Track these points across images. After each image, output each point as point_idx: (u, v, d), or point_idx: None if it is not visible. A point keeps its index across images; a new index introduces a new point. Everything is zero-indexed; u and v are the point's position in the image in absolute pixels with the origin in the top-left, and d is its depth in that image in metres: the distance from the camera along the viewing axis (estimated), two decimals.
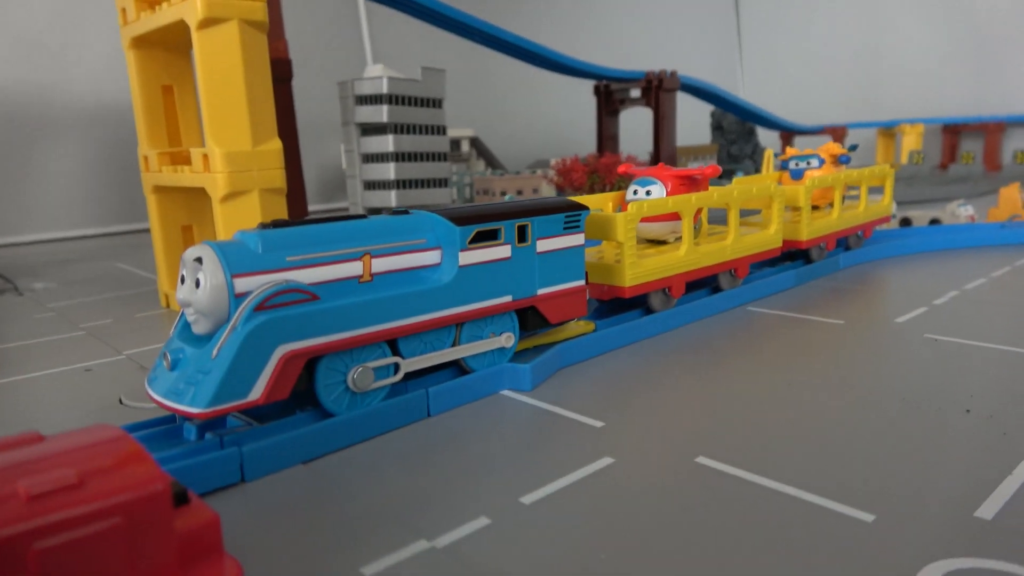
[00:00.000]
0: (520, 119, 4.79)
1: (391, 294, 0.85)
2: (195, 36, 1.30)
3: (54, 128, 3.20)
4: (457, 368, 0.98)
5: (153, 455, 0.74)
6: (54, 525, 0.44)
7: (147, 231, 3.27)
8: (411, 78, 2.45)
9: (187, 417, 0.74)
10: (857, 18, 5.96)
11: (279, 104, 2.22)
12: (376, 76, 2.38)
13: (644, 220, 1.29)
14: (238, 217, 1.36)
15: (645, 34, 5.82)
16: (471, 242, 0.93)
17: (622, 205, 1.35)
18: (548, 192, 3.55)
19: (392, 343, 0.88)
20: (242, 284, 0.77)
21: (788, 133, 5.15)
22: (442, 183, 2.58)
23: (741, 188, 1.36)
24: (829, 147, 1.74)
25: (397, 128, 2.40)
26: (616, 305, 1.29)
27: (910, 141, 4.99)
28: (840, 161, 1.73)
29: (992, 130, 4.89)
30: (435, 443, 0.83)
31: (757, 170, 4.47)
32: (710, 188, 1.38)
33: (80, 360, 1.25)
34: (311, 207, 3.77)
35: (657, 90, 3.44)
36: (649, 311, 1.26)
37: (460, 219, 0.92)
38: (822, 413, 0.87)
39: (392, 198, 2.43)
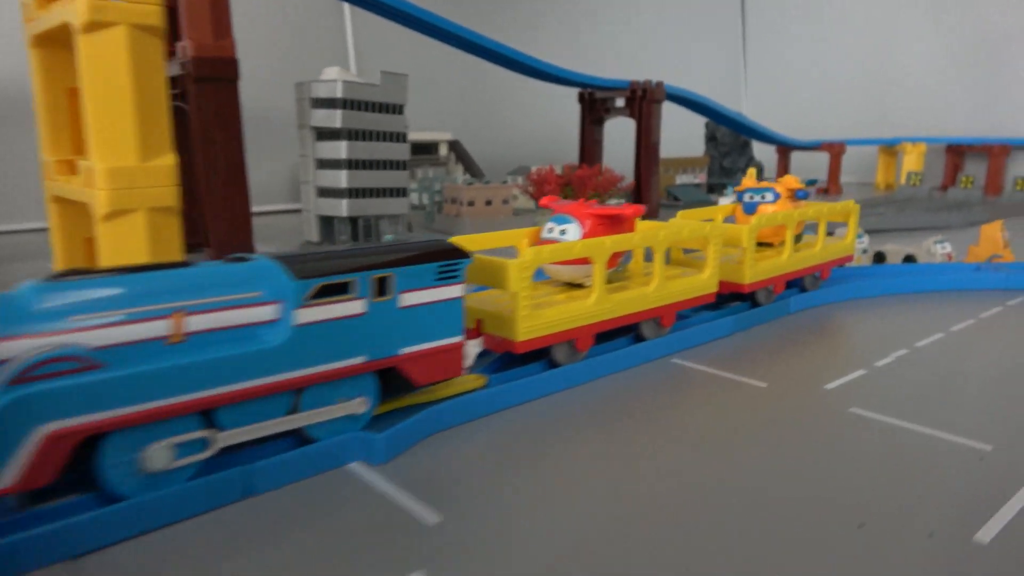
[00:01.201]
0: (505, 124, 4.67)
1: (205, 358, 0.74)
2: (79, 40, 1.20)
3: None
4: (302, 437, 0.87)
5: None
6: None
7: None
8: (370, 82, 2.34)
9: None
10: (865, 33, 5.80)
11: (223, 107, 2.12)
12: (331, 79, 2.27)
13: (558, 263, 1.18)
14: (122, 238, 1.26)
15: (648, 45, 5.68)
16: (315, 296, 0.82)
17: (539, 242, 1.23)
18: (525, 202, 3.44)
19: (209, 412, 0.77)
20: (6, 349, 0.66)
21: (785, 148, 5.01)
22: (399, 192, 2.47)
23: (669, 230, 1.24)
24: (786, 180, 1.62)
25: (351, 134, 2.30)
26: (522, 355, 1.17)
27: (911, 160, 4.84)
28: (797, 196, 1.61)
29: (996, 153, 4.73)
30: (237, 536, 0.72)
31: None
32: (638, 228, 1.26)
33: None
34: (274, 206, 3.66)
35: (641, 100, 3.32)
36: (554, 364, 1.14)
37: (301, 271, 0.81)
38: (701, 514, 0.75)
39: (344, 207, 2.33)
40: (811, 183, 1.67)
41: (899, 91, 5.65)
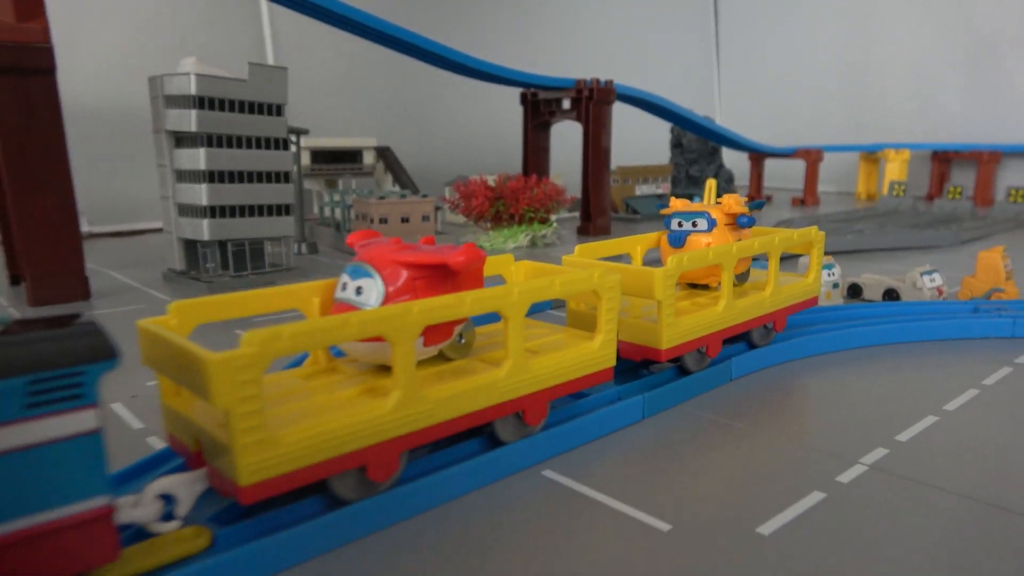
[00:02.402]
0: (445, 130, 4.24)
1: None
2: None
3: None
4: None
5: None
6: None
7: None
8: (237, 77, 1.92)
9: None
10: (845, 32, 5.44)
11: (33, 102, 1.70)
12: (183, 72, 1.85)
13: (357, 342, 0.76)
14: None
15: (615, 47, 5.29)
16: None
17: (333, 307, 0.82)
18: (455, 217, 3.02)
19: None
20: None
21: (758, 155, 4.62)
22: (282, 210, 2.05)
23: (530, 287, 0.83)
24: (726, 202, 1.21)
25: (211, 139, 1.88)
26: (273, 500, 0.75)
27: (894, 169, 4.47)
28: (739, 224, 1.21)
29: (986, 160, 4.37)
30: None
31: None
32: (513, 277, 0.85)
33: None
34: (147, 224, 3.22)
35: (588, 101, 2.91)
36: (339, 500, 0.73)
37: None
38: None
39: (204, 228, 1.91)
40: (757, 206, 1.27)
41: (880, 94, 5.29)
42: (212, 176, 1.89)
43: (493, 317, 1.01)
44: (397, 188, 3.19)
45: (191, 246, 2.02)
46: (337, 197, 2.71)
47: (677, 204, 1.25)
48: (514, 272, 1.03)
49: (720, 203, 1.23)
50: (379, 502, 0.73)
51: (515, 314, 0.81)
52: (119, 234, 3.13)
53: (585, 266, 0.96)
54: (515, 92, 3.21)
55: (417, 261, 0.78)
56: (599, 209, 2.98)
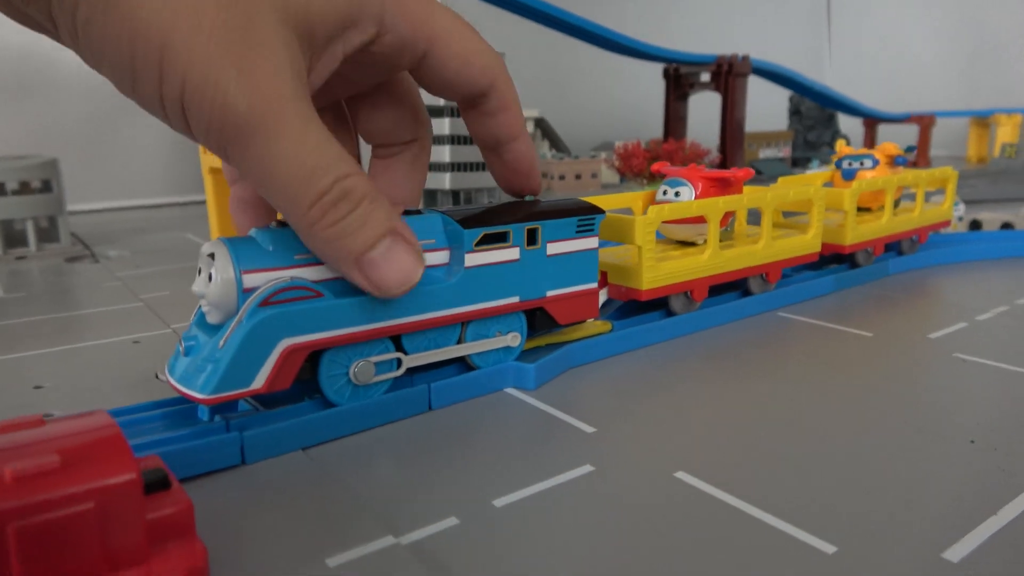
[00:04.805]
0: (588, 100, 4.74)
1: None
2: None
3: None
4: (464, 364, 1.01)
5: (163, 435, 0.81)
6: (33, 506, 0.50)
7: None
8: None
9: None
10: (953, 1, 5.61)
11: None
12: None
13: (671, 222, 1.28)
14: None
15: (727, 16, 5.64)
16: (479, 244, 0.95)
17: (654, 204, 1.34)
18: (609, 176, 3.53)
19: (396, 339, 0.92)
20: (250, 280, 0.81)
21: (872, 120, 4.92)
22: None
23: (776, 192, 1.33)
24: (885, 147, 1.67)
25: (453, 112, 2.43)
26: (640, 304, 1.29)
27: (1005, 132, 4.69)
28: (896, 163, 1.66)
29: None
30: (428, 438, 0.86)
31: None
32: (744, 191, 1.36)
33: (132, 332, 1.35)
34: None
35: (727, 75, 3.35)
36: (671, 313, 1.25)
37: (468, 221, 0.95)
38: (813, 434, 0.86)
39: (447, 180, 2.48)
40: (910, 150, 1.72)
41: (991, 60, 5.45)
42: (454, 140, 2.46)
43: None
44: (554, 152, 3.72)
45: (430, 195, 2.60)
46: None
47: (847, 150, 1.72)
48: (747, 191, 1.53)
49: (880, 148, 1.69)
50: (693, 316, 1.25)
51: (768, 208, 1.31)
52: None
53: (801, 185, 1.46)
54: (645, 66, 3.67)
55: (711, 176, 1.29)
56: (736, 167, 3.43)
